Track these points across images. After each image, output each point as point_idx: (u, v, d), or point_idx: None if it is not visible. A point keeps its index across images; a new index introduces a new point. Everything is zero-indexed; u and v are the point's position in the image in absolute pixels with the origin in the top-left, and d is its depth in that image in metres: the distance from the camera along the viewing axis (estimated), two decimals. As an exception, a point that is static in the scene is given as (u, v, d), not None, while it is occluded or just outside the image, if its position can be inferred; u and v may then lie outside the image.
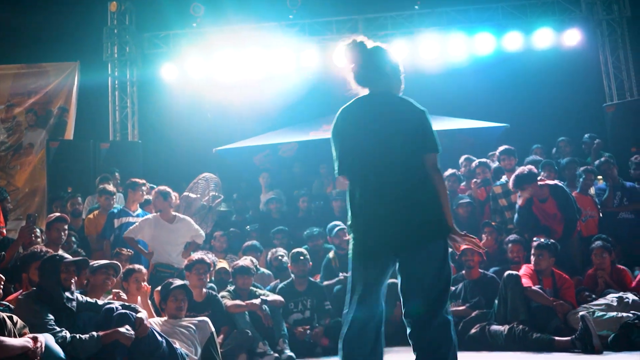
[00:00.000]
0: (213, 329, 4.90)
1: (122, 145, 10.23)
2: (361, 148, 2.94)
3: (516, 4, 10.01)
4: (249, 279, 5.79)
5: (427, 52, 9.77)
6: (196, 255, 5.70)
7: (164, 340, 4.22)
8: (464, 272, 6.02)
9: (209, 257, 5.90)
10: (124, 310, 4.04)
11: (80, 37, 10.61)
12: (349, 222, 3.02)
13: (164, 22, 10.69)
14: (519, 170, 6.42)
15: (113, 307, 4.04)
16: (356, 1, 10.36)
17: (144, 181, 7.10)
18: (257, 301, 5.54)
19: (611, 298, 5.37)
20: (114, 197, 7.10)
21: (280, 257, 6.61)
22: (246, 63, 10.10)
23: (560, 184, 6.71)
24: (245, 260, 6.05)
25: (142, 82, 10.66)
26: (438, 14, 9.96)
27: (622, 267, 6.10)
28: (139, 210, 6.93)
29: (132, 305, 4.33)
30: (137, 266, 5.28)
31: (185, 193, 7.72)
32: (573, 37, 9.79)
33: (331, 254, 6.66)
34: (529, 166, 6.59)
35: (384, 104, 3.00)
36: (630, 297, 5.30)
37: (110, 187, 7.19)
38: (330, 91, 10.24)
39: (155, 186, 7.37)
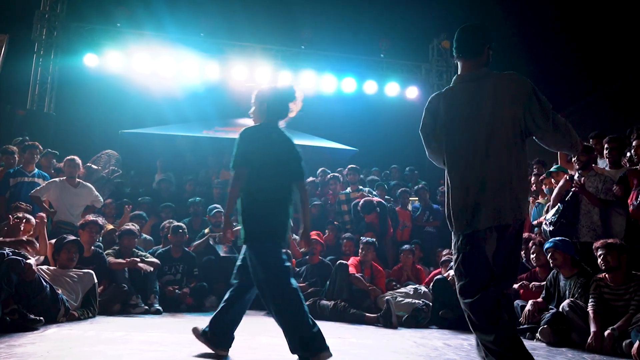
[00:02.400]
0: (96, 281, 4.98)
1: (37, 114, 10.26)
2: (265, 165, 3.17)
3: (375, 60, 11.34)
4: (133, 240, 6.00)
5: (306, 84, 10.80)
6: (90, 217, 5.81)
7: (48, 286, 4.26)
8: (307, 257, 6.53)
9: (101, 219, 5.95)
10: (14, 256, 4.01)
11: (10, 15, 10.53)
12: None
13: (91, 17, 10.90)
14: (367, 199, 7.30)
15: (4, 253, 3.99)
16: (256, 31, 11.14)
17: (36, 143, 6.98)
18: (137, 259, 5.74)
19: (409, 288, 5.97)
20: (14, 156, 6.92)
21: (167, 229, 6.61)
22: (157, 65, 10.50)
23: (383, 201, 7.63)
24: (131, 225, 6.33)
25: (64, 64, 10.72)
26: (317, 56, 11.03)
27: (419, 266, 7.01)
28: (35, 170, 6.85)
29: (23, 253, 4.27)
30: (27, 216, 5.14)
31: (88, 164, 7.97)
32: (413, 92, 11.35)
33: (207, 230, 7.04)
34: (375, 199, 7.52)
35: (275, 134, 3.30)
36: (423, 288, 5.94)
37: (12, 148, 7.04)
38: (225, 100, 11.54)
39: (56, 152, 7.57)
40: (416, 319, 5.45)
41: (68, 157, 6.69)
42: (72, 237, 5.19)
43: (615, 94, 11.58)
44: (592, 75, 12.21)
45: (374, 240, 6.36)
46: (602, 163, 5.79)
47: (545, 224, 5.42)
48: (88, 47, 10.60)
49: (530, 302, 4.79)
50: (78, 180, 6.69)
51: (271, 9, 11.68)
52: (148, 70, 10.53)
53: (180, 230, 6.42)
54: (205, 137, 10.44)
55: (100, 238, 6.07)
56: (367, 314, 5.49)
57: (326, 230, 7.42)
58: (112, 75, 10.52)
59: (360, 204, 7.32)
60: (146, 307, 5.51)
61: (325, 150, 10.81)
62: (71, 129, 10.64)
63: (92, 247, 5.63)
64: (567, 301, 4.47)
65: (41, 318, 4.03)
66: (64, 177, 6.60)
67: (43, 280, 4.28)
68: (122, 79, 10.57)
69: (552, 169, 6.48)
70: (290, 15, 11.11)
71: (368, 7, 12.18)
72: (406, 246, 7.00)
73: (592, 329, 4.13)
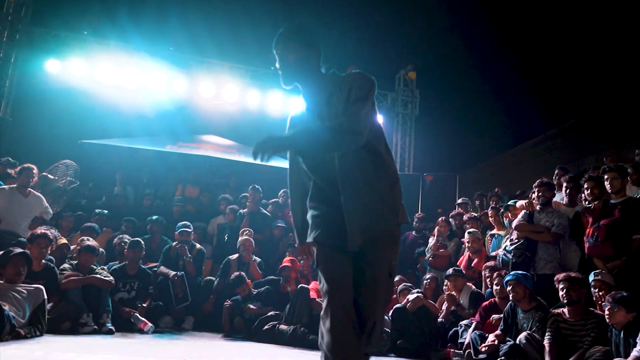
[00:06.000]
0: (45, 297, 4.76)
1: None
2: None
3: None
4: (92, 257, 5.75)
5: (274, 105, 10.78)
6: (40, 230, 5.53)
7: None
8: (280, 284, 6.44)
9: (52, 232, 5.74)
10: None
11: None
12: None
13: (56, 23, 10.60)
14: None
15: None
16: (224, 49, 11.19)
17: None
18: (98, 275, 5.58)
19: None
20: None
21: (123, 244, 6.61)
22: (123, 76, 10.23)
23: None
24: (91, 241, 5.99)
25: (25, 69, 10.36)
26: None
27: None
28: None
29: None
30: None
31: (44, 173, 7.58)
32: (379, 120, 11.74)
33: (174, 244, 6.87)
34: None
35: None
36: None
37: None
38: (191, 116, 11.41)
39: (16, 162, 7.28)
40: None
41: (24, 165, 6.47)
42: (20, 250, 4.95)
43: (572, 129, 12.12)
44: (552, 111, 12.75)
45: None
46: (559, 196, 6.03)
47: (505, 254, 5.53)
48: (51, 53, 10.24)
49: (492, 335, 4.84)
50: (30, 189, 6.45)
51: (239, 28, 11.70)
52: (113, 81, 10.26)
53: (138, 246, 6.24)
54: (168, 152, 10.18)
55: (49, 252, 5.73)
56: (326, 340, 5.43)
57: (287, 253, 7.28)
58: (75, 84, 10.19)
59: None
60: (95, 327, 5.26)
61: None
62: (29, 136, 10.12)
63: (43, 261, 5.37)
64: (524, 334, 4.54)
65: (-16, 336, 3.74)
66: (15, 185, 6.36)
67: (-13, 296, 4.01)
68: (85, 88, 10.24)
69: (509, 202, 6.69)
70: (258, 36, 11.15)
71: (337, 35, 12.37)
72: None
73: (547, 362, 4.20)
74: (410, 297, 5.73)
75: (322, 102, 2.34)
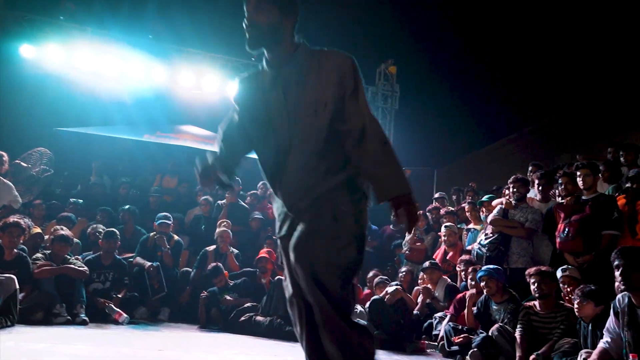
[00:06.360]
0: (17, 286, 4.71)
1: None
2: None
3: None
4: (66, 247, 5.70)
5: None
6: (12, 219, 5.43)
7: None
8: (258, 275, 6.44)
9: (25, 221, 5.63)
10: None
11: None
12: None
13: (32, 7, 10.23)
14: None
15: None
16: (204, 39, 10.95)
17: None
18: (71, 265, 5.52)
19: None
20: None
21: (98, 233, 6.59)
22: (101, 63, 9.96)
23: None
24: (65, 230, 5.94)
25: None
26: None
27: (358, 285, 6.68)
28: None
29: None
30: None
31: (17, 160, 7.43)
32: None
33: (152, 234, 6.82)
34: None
35: None
36: (359, 308, 5.75)
37: None
38: (171, 106, 11.27)
39: None
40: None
41: None
42: (-11, 239, 4.84)
43: (547, 127, 12.36)
44: (528, 109, 12.96)
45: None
46: (533, 192, 6.17)
47: (480, 248, 5.64)
48: (26, 38, 9.89)
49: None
50: (-1, 177, 6.29)
51: (220, 17, 11.52)
52: (91, 68, 9.98)
53: (114, 237, 6.20)
54: (146, 141, 10.05)
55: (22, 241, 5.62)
56: (301, 331, 5.46)
57: (264, 245, 7.29)
58: (52, 70, 9.89)
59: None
60: (68, 317, 5.19)
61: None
62: (2, 123, 9.73)
63: (15, 251, 5.31)
64: (496, 326, 4.65)
65: (-46, 326, 3.69)
66: (-18, 174, 6.18)
67: (-43, 285, 3.94)
68: (62, 75, 9.96)
69: (484, 198, 6.81)
70: (239, 26, 11.01)
71: (318, 28, 12.31)
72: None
73: (518, 354, 4.33)
74: (389, 289, 5.80)
75: (292, 79, 2.11)
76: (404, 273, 6.58)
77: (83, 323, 5.20)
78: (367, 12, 13.73)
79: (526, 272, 4.70)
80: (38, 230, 6.52)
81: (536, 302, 4.56)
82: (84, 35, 9.95)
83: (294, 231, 2.09)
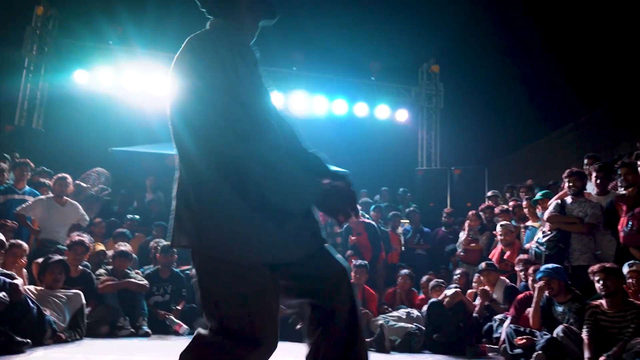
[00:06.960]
0: (84, 302, 4.93)
1: (25, 130, 10.01)
2: None
3: (366, 82, 11.34)
4: (127, 262, 5.94)
5: (297, 105, 10.76)
6: (77, 237, 5.67)
7: (35, 307, 4.24)
8: None
9: (88, 239, 5.87)
10: (1, 277, 4.03)
11: (1, 30, 10.42)
12: None
13: (82, 34, 10.75)
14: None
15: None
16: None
17: (28, 161, 6.92)
18: (132, 279, 5.72)
19: (402, 312, 5.91)
20: (4, 173, 6.80)
21: (159, 247, 6.50)
22: (149, 83, 10.32)
23: (372, 222, 7.58)
24: (126, 246, 6.22)
25: (54, 80, 10.55)
26: (307, 78, 10.99)
27: (414, 290, 6.88)
28: (26, 188, 6.79)
29: (9, 273, 4.29)
30: (18, 242, 5.21)
31: (77, 181, 7.74)
32: (403, 115, 11.38)
33: None
34: (366, 220, 7.45)
35: None
36: (416, 312, 5.87)
37: (2, 165, 6.88)
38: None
39: (51, 171, 7.45)
40: (409, 343, 5.37)
41: (59, 175, 6.64)
42: (58, 257, 5.11)
43: (604, 115, 11.79)
44: (582, 97, 12.43)
45: (366, 263, 6.26)
46: (590, 187, 5.88)
47: (538, 246, 5.44)
48: (78, 64, 10.43)
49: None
50: (66, 198, 6.60)
51: (261, 29, 11.62)
52: (139, 88, 10.38)
53: (170, 251, 6.28)
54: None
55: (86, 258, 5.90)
56: (360, 338, 5.41)
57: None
58: (103, 92, 10.35)
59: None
60: (132, 330, 5.38)
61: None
62: (60, 146, 10.37)
63: (80, 267, 5.55)
64: (561, 327, 4.46)
65: (28, 340, 3.95)
66: (52, 195, 6.54)
67: (30, 301, 4.25)
68: (112, 96, 10.40)
69: (537, 196, 6.53)
70: (281, 37, 11.17)
71: (359, 30, 12.30)
72: (405, 270, 6.90)
73: (586, 355, 4.13)
74: (448, 292, 5.71)
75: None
76: (458, 275, 6.44)
77: (146, 335, 5.36)
78: (406, 11, 13.60)
79: (589, 270, 4.49)
80: (102, 247, 6.76)
81: (603, 301, 4.34)
82: (132, 57, 10.34)
83: None
